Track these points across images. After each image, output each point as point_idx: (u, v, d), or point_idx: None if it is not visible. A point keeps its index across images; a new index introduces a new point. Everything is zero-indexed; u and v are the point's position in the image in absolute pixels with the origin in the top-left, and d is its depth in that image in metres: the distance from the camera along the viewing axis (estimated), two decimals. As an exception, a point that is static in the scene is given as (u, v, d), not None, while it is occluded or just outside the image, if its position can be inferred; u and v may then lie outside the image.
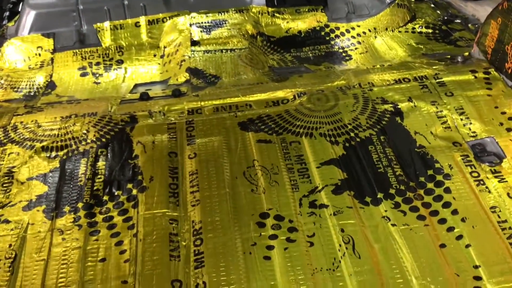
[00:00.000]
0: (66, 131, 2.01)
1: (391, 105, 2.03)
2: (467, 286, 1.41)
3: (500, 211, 1.60)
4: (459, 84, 2.09)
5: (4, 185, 1.80)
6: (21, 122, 2.07)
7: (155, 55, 2.73)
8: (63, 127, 2.03)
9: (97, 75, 2.64)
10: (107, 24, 2.75)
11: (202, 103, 2.13)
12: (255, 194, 1.71)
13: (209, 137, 1.94)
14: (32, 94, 2.51)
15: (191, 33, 2.70)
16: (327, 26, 2.82)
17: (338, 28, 2.82)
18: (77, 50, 2.71)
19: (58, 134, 1.99)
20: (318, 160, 1.81)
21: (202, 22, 2.74)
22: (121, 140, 1.95)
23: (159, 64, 2.69)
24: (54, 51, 2.71)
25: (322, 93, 2.13)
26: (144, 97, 2.23)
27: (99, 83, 2.61)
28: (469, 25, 2.77)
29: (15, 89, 2.53)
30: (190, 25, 2.73)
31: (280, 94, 2.17)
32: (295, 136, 1.93)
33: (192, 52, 2.60)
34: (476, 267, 1.45)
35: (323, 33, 2.81)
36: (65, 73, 2.64)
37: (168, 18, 2.78)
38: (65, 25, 2.77)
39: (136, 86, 2.53)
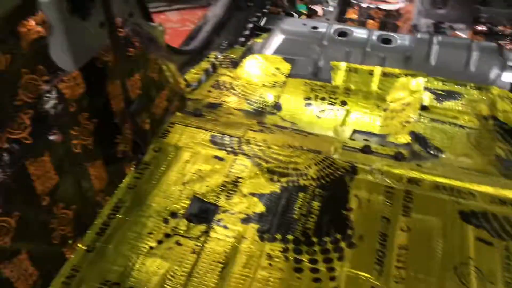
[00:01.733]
0: (290, 160, 2.14)
1: None
2: None
3: None
4: None
5: (229, 191, 1.98)
6: (254, 138, 2.25)
7: (378, 106, 2.75)
8: (289, 155, 2.16)
9: (320, 110, 2.75)
10: (343, 65, 2.85)
11: (424, 176, 2.08)
12: (465, 296, 1.62)
13: (426, 215, 1.89)
14: (260, 110, 2.73)
15: (422, 97, 2.66)
16: None
17: None
18: (308, 81, 2.86)
19: (283, 161, 2.13)
20: (544, 286, 1.65)
21: (437, 89, 2.67)
22: (339, 188, 2.01)
23: (380, 116, 2.70)
24: (289, 76, 2.90)
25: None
26: (366, 150, 2.26)
27: (320, 117, 2.72)
28: None
29: (248, 101, 2.77)
30: (425, 88, 2.69)
31: (509, 193, 2.01)
32: (522, 247, 1.77)
33: (419, 116, 2.56)
34: None
35: None
36: (292, 99, 2.80)
37: (403, 75, 2.78)
38: (306, 55, 2.96)
39: (354, 131, 2.58)
